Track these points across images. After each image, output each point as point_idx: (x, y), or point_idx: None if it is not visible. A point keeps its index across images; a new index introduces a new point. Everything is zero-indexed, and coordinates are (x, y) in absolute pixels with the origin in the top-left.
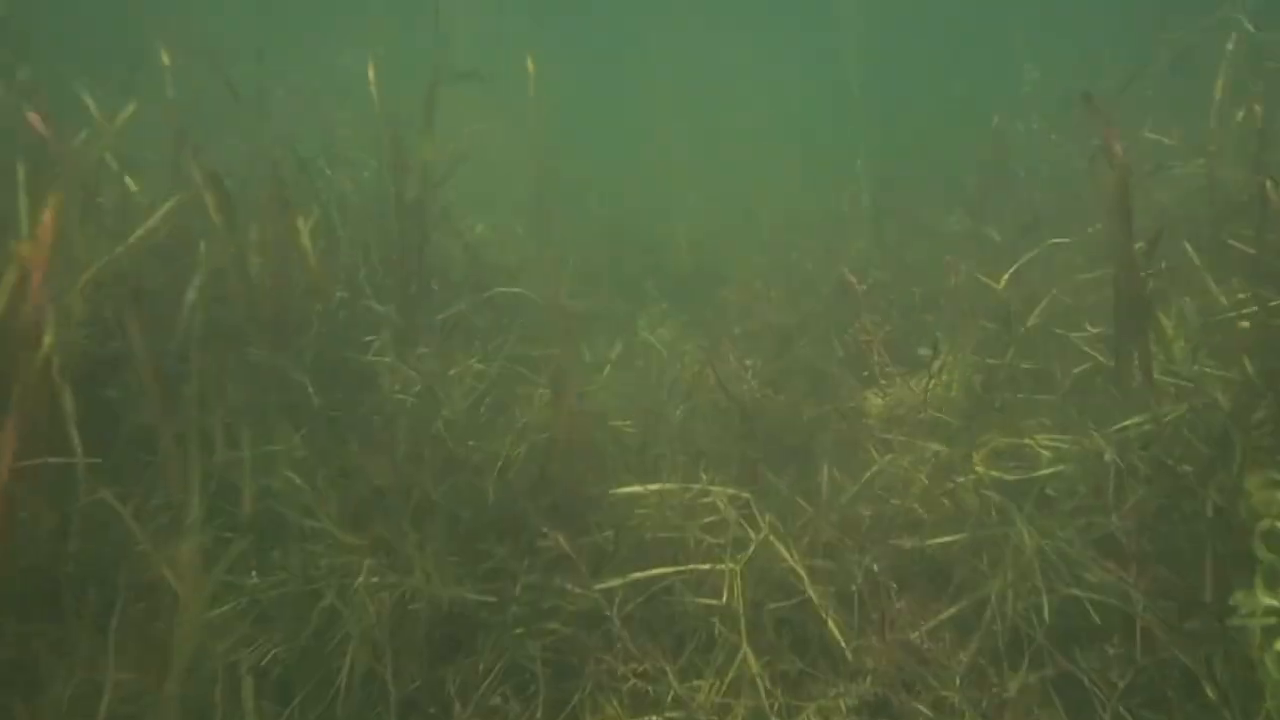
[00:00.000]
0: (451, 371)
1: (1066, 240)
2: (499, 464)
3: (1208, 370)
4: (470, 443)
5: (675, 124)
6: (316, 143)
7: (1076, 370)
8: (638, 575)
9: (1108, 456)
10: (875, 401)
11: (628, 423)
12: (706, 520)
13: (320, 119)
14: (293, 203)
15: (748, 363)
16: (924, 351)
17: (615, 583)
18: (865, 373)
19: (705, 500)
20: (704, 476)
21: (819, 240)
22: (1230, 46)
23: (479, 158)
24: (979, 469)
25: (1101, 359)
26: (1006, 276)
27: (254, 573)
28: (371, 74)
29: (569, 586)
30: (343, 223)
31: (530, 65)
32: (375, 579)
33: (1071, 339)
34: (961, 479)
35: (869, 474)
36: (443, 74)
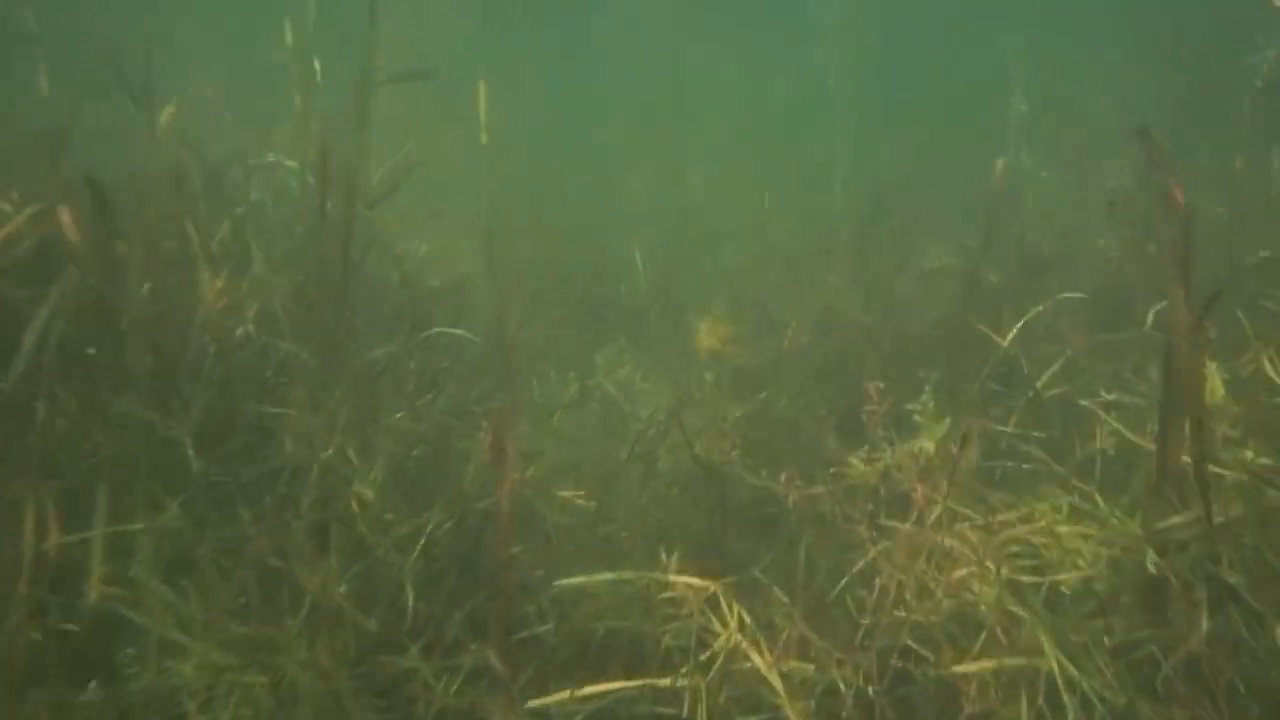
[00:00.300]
0: (374, 429)
1: (1079, 295)
2: (420, 544)
3: (1265, 461)
4: (389, 516)
5: (647, 141)
6: (240, 146)
7: (1101, 448)
8: (583, 691)
9: (1150, 562)
10: (861, 468)
11: (579, 493)
12: (668, 617)
13: (246, 120)
14: (194, 216)
15: (718, 420)
16: (914, 411)
17: (556, 698)
18: (845, 429)
19: (666, 594)
20: (665, 558)
21: (794, 272)
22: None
23: (433, 168)
24: (988, 564)
25: (1129, 435)
26: (1014, 333)
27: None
28: (294, 68)
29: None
30: (258, 242)
31: (481, 89)
32: (249, 713)
33: (1090, 408)
34: (970, 581)
35: (859, 565)
36: (380, 73)
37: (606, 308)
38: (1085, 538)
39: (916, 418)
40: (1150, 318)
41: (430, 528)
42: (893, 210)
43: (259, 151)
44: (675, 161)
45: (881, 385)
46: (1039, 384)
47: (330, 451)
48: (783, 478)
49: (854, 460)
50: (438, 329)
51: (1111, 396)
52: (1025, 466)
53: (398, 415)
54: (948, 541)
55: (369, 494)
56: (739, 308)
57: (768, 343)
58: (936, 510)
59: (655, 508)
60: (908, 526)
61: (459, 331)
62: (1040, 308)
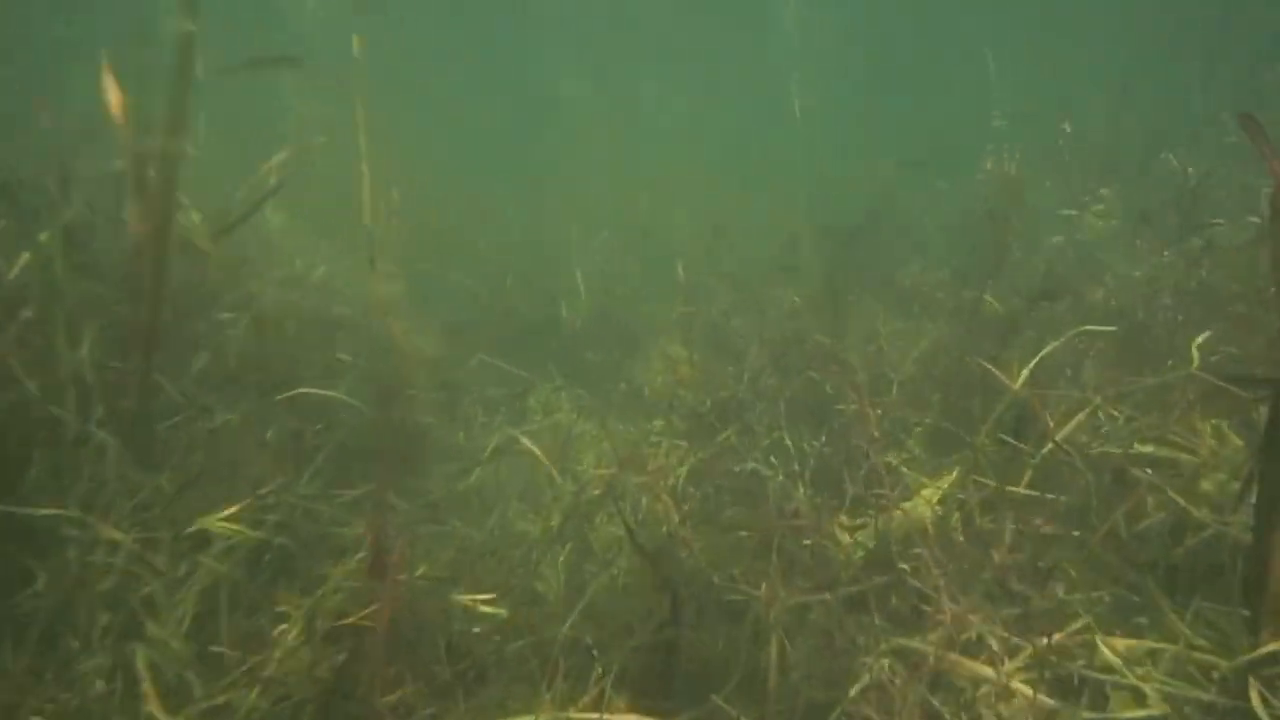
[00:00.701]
0: (188, 531)
1: (1110, 329)
2: (251, 697)
3: None
4: (216, 646)
5: (591, 156)
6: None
7: (1145, 525)
8: None
9: (1256, 705)
10: (845, 540)
11: (488, 599)
12: None
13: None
14: None
15: (667, 477)
16: (900, 463)
17: None
18: (821, 483)
19: None
20: (599, 684)
21: (753, 293)
22: None
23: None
24: (1019, 684)
25: (1192, 510)
26: (1026, 372)
27: None
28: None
29: None
30: (70, 275)
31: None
32: None
33: (1128, 466)
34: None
35: (854, 691)
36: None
37: (545, 336)
38: (1148, 656)
39: (903, 470)
40: (1196, 356)
41: (274, 665)
42: (871, 226)
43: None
44: (625, 176)
45: (873, 437)
46: (1059, 435)
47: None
48: (761, 589)
49: (838, 529)
50: (307, 388)
51: (1148, 449)
52: (1045, 530)
53: (230, 510)
54: (965, 662)
55: (175, 642)
56: (692, 333)
57: (726, 374)
58: (944, 604)
59: (588, 608)
60: (915, 643)
61: (330, 394)
62: (1056, 342)
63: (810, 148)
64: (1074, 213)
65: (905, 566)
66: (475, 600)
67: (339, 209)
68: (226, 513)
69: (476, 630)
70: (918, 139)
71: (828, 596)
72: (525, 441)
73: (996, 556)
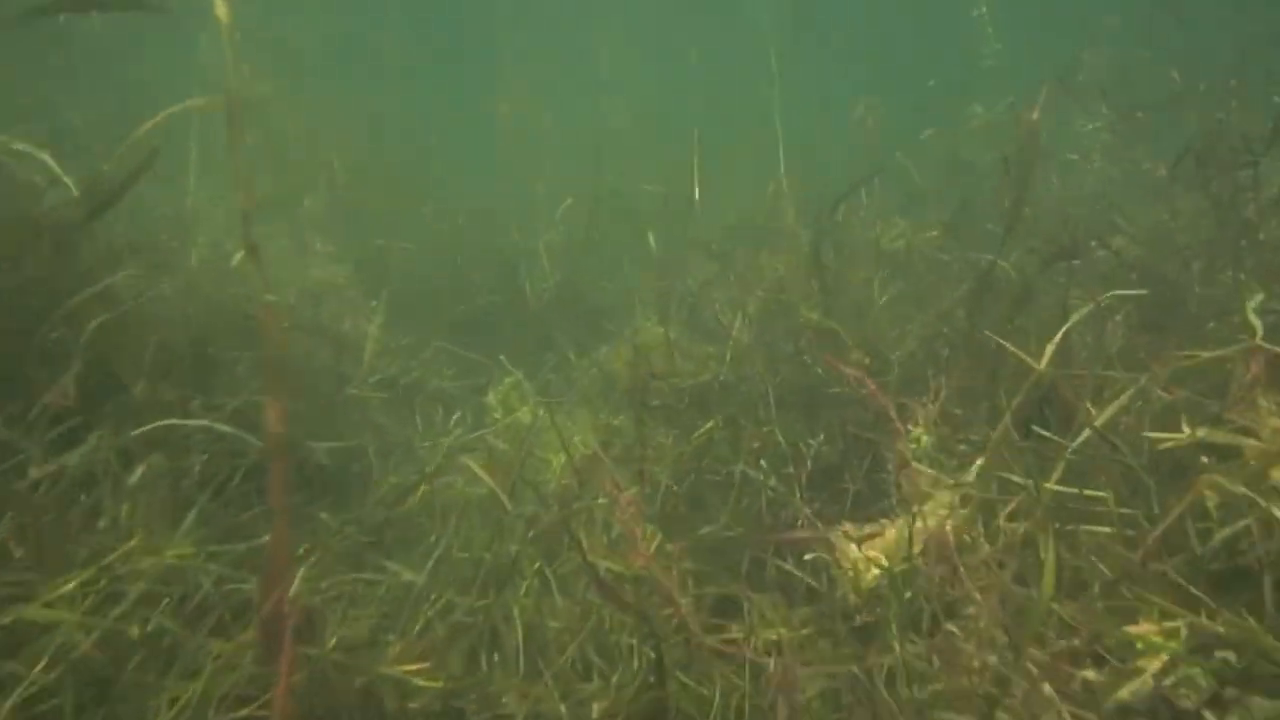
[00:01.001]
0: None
1: (1140, 292)
2: None
3: None
4: None
5: (552, 114)
6: None
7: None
8: None
9: None
10: (854, 554)
11: (420, 670)
12: None
13: None
14: None
15: (643, 491)
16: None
17: None
18: (820, 486)
19: None
20: None
21: (728, 263)
22: None
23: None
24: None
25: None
26: (1052, 347)
27: None
28: None
29: None
30: None
31: None
32: None
33: (1176, 452)
34: None
35: None
36: None
37: (506, 316)
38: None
39: (918, 465)
40: (1257, 323)
41: None
42: (856, 184)
43: None
44: (589, 136)
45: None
46: (1098, 419)
47: None
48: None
49: (842, 540)
50: (174, 420)
51: (1202, 434)
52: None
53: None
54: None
55: None
56: (665, 308)
57: (705, 354)
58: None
59: (553, 663)
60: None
61: (203, 421)
62: (1083, 310)
63: (790, 103)
64: (1075, 158)
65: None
66: (406, 671)
67: (277, 181)
68: (53, 594)
69: (413, 706)
70: (904, 85)
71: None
72: (471, 464)
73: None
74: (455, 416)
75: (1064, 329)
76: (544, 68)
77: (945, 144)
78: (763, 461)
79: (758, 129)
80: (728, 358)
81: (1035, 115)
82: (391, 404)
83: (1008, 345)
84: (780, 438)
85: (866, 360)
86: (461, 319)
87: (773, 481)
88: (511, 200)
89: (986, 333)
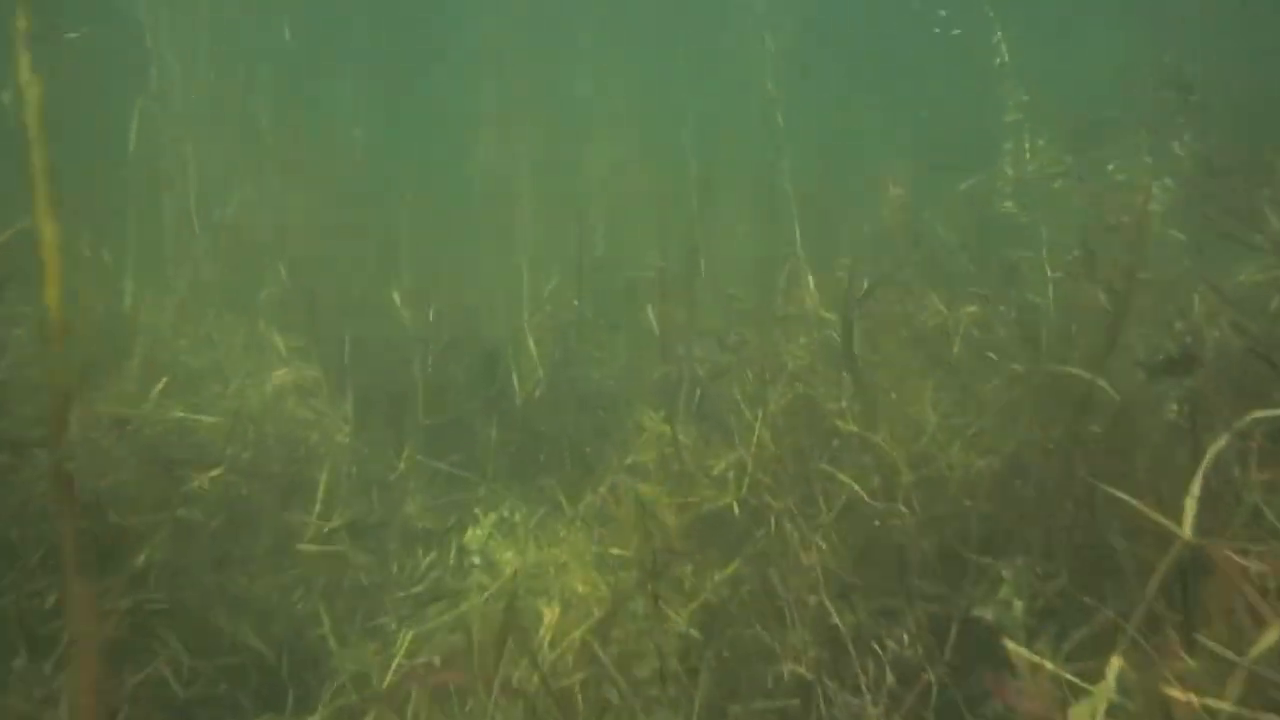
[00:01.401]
0: None
1: None
2: None
3: None
4: None
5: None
6: None
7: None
8: None
9: None
10: None
11: None
12: None
13: None
14: None
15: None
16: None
17: None
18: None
19: None
20: None
21: (741, 350)
22: None
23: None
24: None
25: None
26: (1191, 510)
27: None
28: None
29: None
30: None
31: None
32: None
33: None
34: None
35: None
36: None
37: (491, 417)
38: None
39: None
40: None
41: None
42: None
43: None
44: (572, 190)
45: None
46: None
47: None
48: None
49: None
50: None
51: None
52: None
53: None
54: None
55: None
56: (673, 404)
57: (721, 464)
58: None
59: None
60: None
61: None
62: (1220, 442)
63: (799, 158)
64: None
65: None
66: None
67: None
68: None
69: None
70: (922, 139)
71: None
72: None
73: None
74: (428, 562)
75: (1199, 473)
76: (521, 106)
77: (977, 203)
78: (810, 649)
79: (763, 185)
80: (745, 484)
81: (1147, 201)
82: (356, 549)
83: (1135, 503)
84: (835, 618)
85: (911, 482)
86: (440, 423)
87: (835, 687)
88: (492, 277)
89: (1089, 478)
